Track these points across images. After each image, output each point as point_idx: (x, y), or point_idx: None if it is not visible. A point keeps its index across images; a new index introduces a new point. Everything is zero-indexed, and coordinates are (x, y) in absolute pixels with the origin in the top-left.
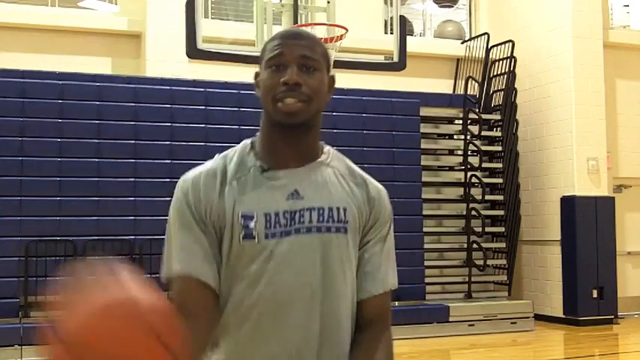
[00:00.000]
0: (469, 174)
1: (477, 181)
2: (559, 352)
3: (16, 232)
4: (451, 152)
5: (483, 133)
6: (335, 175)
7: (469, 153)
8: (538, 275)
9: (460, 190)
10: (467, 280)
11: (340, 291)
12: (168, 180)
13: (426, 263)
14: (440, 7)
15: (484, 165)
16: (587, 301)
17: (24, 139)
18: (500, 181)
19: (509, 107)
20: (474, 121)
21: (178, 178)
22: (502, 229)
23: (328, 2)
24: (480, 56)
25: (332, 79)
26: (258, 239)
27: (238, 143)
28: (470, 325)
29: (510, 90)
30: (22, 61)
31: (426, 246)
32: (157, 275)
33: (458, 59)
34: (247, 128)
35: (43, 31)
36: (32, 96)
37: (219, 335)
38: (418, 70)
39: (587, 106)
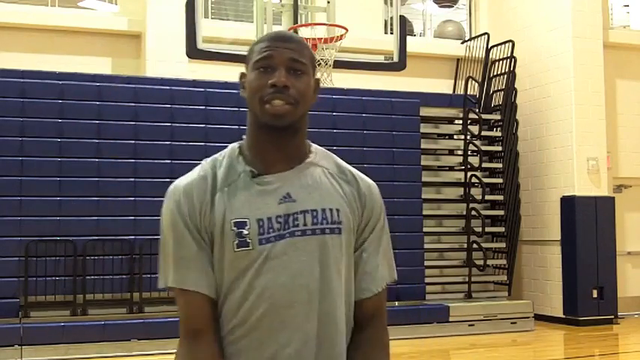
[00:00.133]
0: (469, 174)
1: (477, 181)
2: (559, 352)
3: (16, 232)
4: (451, 152)
5: (483, 133)
6: (325, 174)
7: (469, 153)
8: (538, 275)
9: (460, 190)
10: (467, 280)
11: (337, 292)
12: (168, 180)
13: (426, 263)
14: (440, 7)
15: (484, 165)
16: (587, 301)
17: (24, 139)
18: (500, 181)
19: (509, 107)
20: (473, 121)
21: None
22: (502, 229)
23: (328, 2)
24: (480, 56)
25: (317, 83)
26: (253, 246)
27: None
28: (470, 325)
29: (510, 90)
30: (22, 61)
31: (426, 246)
32: (157, 275)
33: (458, 59)
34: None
35: (43, 31)
36: (32, 96)
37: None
38: (418, 70)
39: (587, 106)
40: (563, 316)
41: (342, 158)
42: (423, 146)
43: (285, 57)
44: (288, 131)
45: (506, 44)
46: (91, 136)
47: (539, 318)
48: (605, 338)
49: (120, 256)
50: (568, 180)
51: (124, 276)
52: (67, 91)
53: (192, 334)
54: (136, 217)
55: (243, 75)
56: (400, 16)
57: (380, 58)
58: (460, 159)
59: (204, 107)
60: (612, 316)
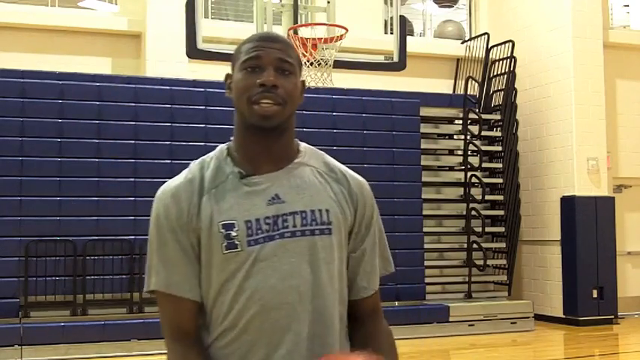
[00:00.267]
0: (469, 174)
1: (477, 181)
2: (559, 352)
3: (16, 232)
4: (451, 152)
5: (483, 133)
6: (314, 174)
7: (469, 153)
8: (538, 275)
9: (460, 190)
10: (467, 280)
11: (329, 292)
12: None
13: (426, 263)
14: (440, 7)
15: (484, 165)
16: (587, 301)
17: (24, 139)
18: (500, 181)
19: (509, 107)
20: (473, 121)
21: None
22: (502, 229)
23: (328, 2)
24: (480, 56)
25: (303, 84)
26: (242, 247)
27: None
28: (470, 325)
29: (510, 90)
30: (22, 61)
31: (426, 246)
32: None
33: (458, 59)
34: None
35: (43, 31)
36: (32, 96)
37: (210, 344)
38: (418, 70)
39: (587, 106)
40: (563, 316)
41: (342, 158)
42: (423, 146)
43: (273, 57)
44: (276, 132)
45: (506, 44)
46: (91, 136)
47: (539, 318)
48: (605, 338)
49: (120, 256)
50: (568, 180)
51: (124, 276)
52: (67, 91)
53: (178, 337)
54: (135, 217)
55: (228, 76)
56: (400, 16)
57: (380, 58)
58: (460, 159)
59: (204, 107)
60: (612, 316)
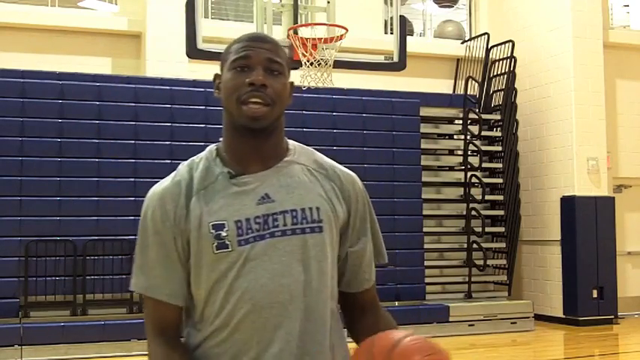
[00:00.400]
0: (469, 174)
1: (477, 181)
2: (559, 352)
3: (16, 232)
4: (451, 152)
5: (483, 133)
6: (304, 172)
7: (469, 153)
8: (538, 275)
9: (460, 190)
10: (467, 280)
11: (320, 290)
12: None
13: (426, 263)
14: (440, 7)
15: (484, 165)
16: (587, 301)
17: (24, 139)
18: (500, 181)
19: (509, 107)
20: (473, 121)
21: None
22: (502, 229)
23: (328, 2)
24: (480, 56)
25: (292, 85)
26: (232, 247)
27: None
28: (470, 325)
29: (510, 90)
30: (22, 61)
31: (426, 246)
32: None
33: (458, 59)
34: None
35: (43, 31)
36: (32, 96)
37: (201, 343)
38: (418, 70)
39: (587, 106)
40: (563, 316)
41: (342, 158)
42: (423, 146)
43: (262, 57)
44: (265, 132)
45: (506, 44)
46: (91, 136)
47: (539, 318)
48: (605, 338)
49: (120, 256)
50: (568, 180)
51: (124, 276)
52: (67, 91)
53: (160, 334)
54: (135, 217)
55: (217, 76)
56: (400, 16)
57: (380, 58)
58: (460, 159)
59: (204, 107)
60: (612, 316)
